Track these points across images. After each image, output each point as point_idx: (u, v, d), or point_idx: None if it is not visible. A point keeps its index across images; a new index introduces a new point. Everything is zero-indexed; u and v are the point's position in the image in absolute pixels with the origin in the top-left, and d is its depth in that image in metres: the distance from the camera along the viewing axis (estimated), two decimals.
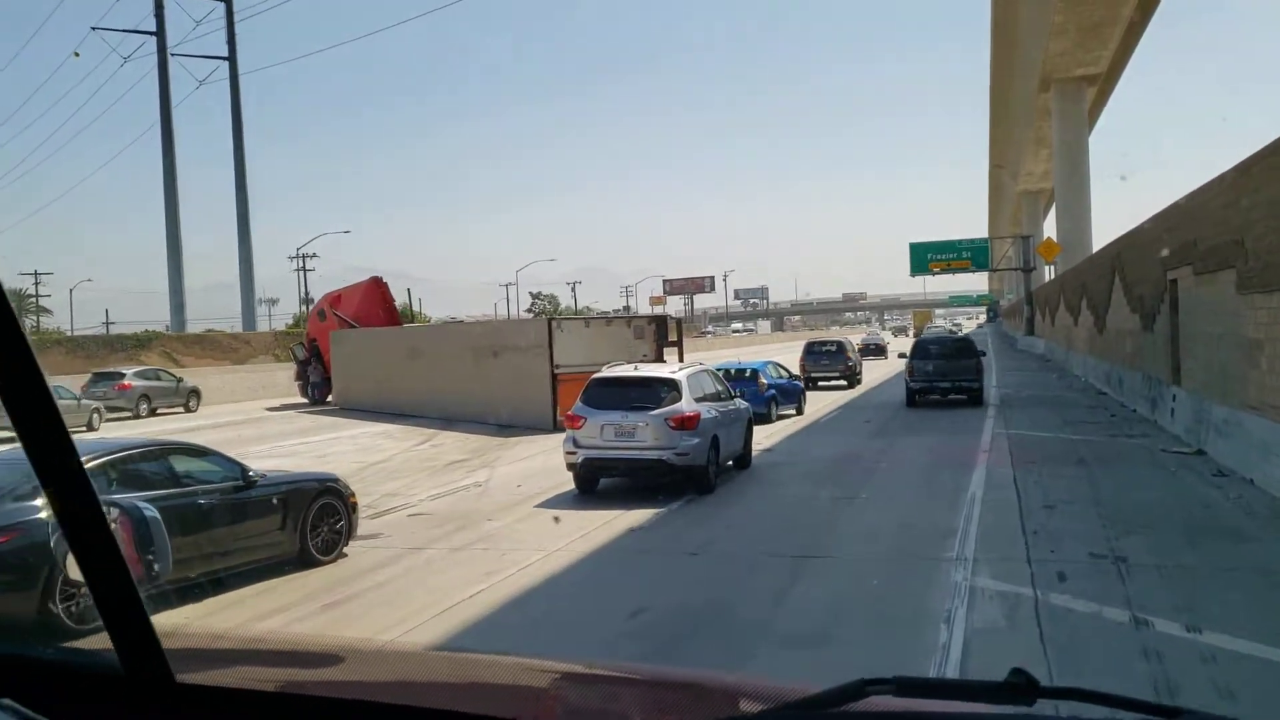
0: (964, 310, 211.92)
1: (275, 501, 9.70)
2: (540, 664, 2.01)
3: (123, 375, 33.47)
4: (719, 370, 24.10)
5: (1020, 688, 1.29)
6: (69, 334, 72.89)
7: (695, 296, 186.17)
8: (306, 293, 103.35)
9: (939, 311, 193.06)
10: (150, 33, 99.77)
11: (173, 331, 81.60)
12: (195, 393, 35.55)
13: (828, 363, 35.42)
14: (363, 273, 36.94)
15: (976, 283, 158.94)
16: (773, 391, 24.34)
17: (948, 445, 18.19)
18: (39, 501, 6.90)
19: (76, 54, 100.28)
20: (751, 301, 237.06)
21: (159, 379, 34.98)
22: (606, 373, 14.79)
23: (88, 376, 33.61)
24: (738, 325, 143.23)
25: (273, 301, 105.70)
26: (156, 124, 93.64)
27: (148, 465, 9.00)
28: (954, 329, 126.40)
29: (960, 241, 71.10)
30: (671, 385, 13.93)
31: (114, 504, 1.72)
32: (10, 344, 1.28)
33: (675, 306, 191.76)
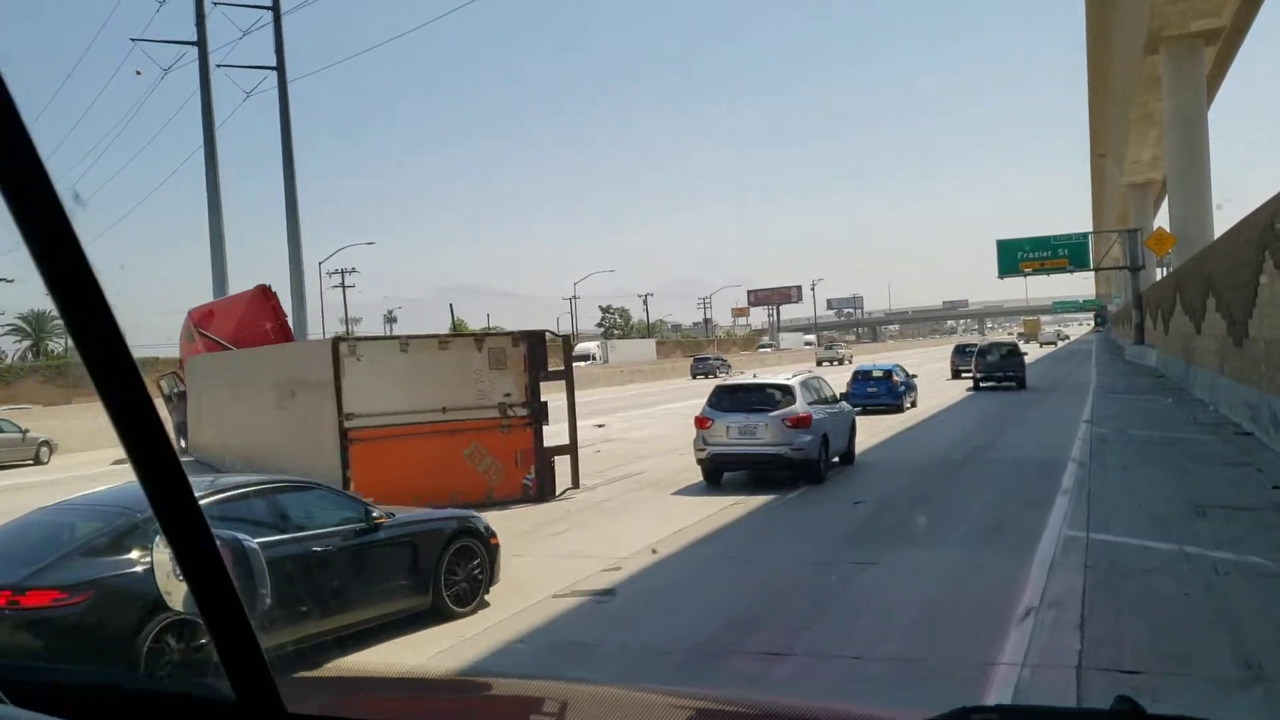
0: (1072, 316, 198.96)
1: (404, 546, 8.37)
2: (619, 692, 1.95)
3: None
4: (859, 371, 30.12)
5: (1126, 715, 1.22)
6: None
7: (781, 307, 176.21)
8: (347, 313, 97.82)
9: (1045, 318, 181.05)
10: (191, 43, 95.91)
11: None
12: (47, 445, 29.99)
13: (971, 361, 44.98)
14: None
15: (1084, 286, 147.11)
16: (903, 388, 29.02)
17: (967, 578, 9.69)
18: (119, 557, 6.50)
19: (138, 72, 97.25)
20: (845, 311, 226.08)
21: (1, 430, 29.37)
22: (729, 381, 17.02)
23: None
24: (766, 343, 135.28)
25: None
26: (201, 139, 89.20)
27: (255, 506, 7.52)
28: (1063, 336, 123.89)
29: (1055, 237, 61.74)
30: (787, 390, 15.60)
31: (215, 536, 1.56)
32: (123, 374, 1.24)
33: (759, 318, 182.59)
